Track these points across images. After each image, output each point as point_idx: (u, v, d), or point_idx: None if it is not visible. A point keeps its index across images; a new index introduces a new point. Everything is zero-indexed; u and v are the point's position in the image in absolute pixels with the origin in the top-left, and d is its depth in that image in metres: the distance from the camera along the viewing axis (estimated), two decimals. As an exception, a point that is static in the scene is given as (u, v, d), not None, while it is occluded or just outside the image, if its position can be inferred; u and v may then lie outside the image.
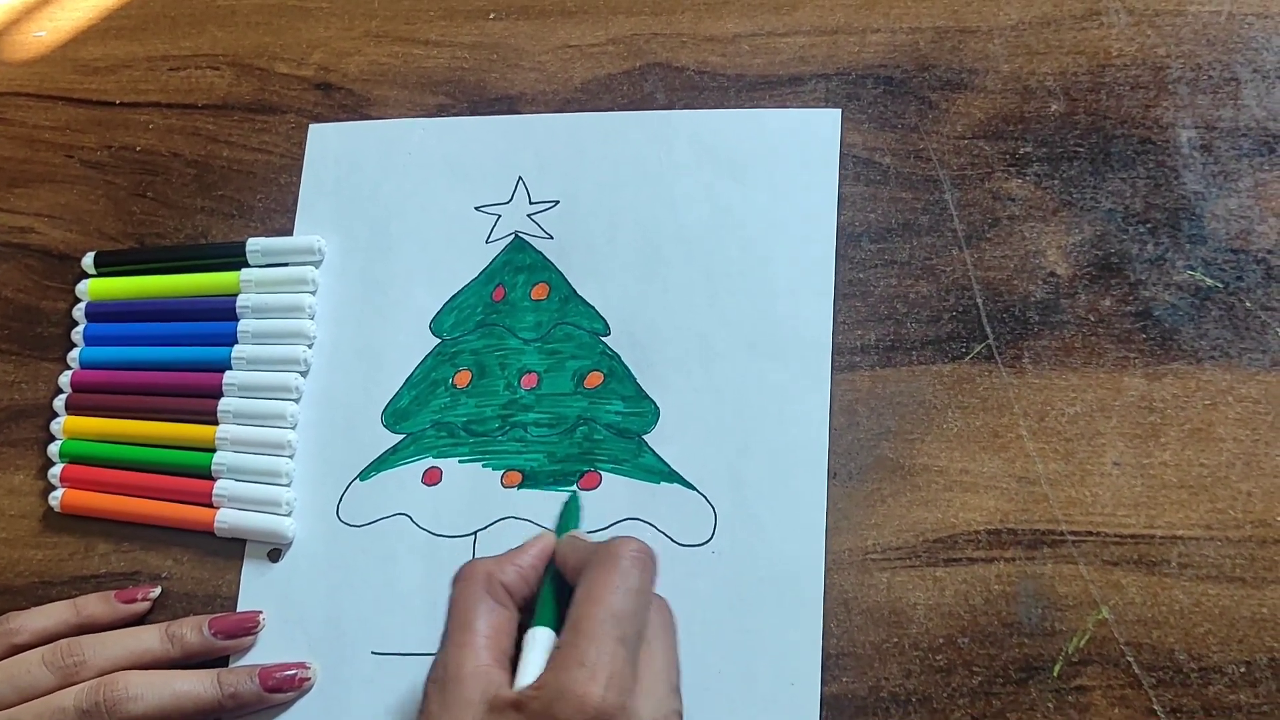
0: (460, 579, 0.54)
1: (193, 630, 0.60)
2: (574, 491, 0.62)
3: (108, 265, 0.70)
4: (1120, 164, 0.62)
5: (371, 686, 0.60)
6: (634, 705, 0.48)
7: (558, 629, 0.51)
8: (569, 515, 0.60)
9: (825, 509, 0.59)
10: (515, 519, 0.61)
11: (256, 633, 0.62)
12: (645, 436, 0.61)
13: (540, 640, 0.52)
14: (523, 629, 0.52)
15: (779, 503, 0.59)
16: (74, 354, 0.69)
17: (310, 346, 0.66)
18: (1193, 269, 0.59)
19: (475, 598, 0.53)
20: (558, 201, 0.66)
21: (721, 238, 0.64)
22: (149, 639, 0.60)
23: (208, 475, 0.65)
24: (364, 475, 0.64)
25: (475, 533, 0.62)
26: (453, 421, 0.64)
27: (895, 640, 0.57)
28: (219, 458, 0.65)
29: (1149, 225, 0.60)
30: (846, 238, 0.63)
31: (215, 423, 0.65)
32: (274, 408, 0.65)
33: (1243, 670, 0.54)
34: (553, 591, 0.54)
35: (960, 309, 0.61)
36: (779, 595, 0.58)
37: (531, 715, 0.47)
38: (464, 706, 0.49)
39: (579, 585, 0.51)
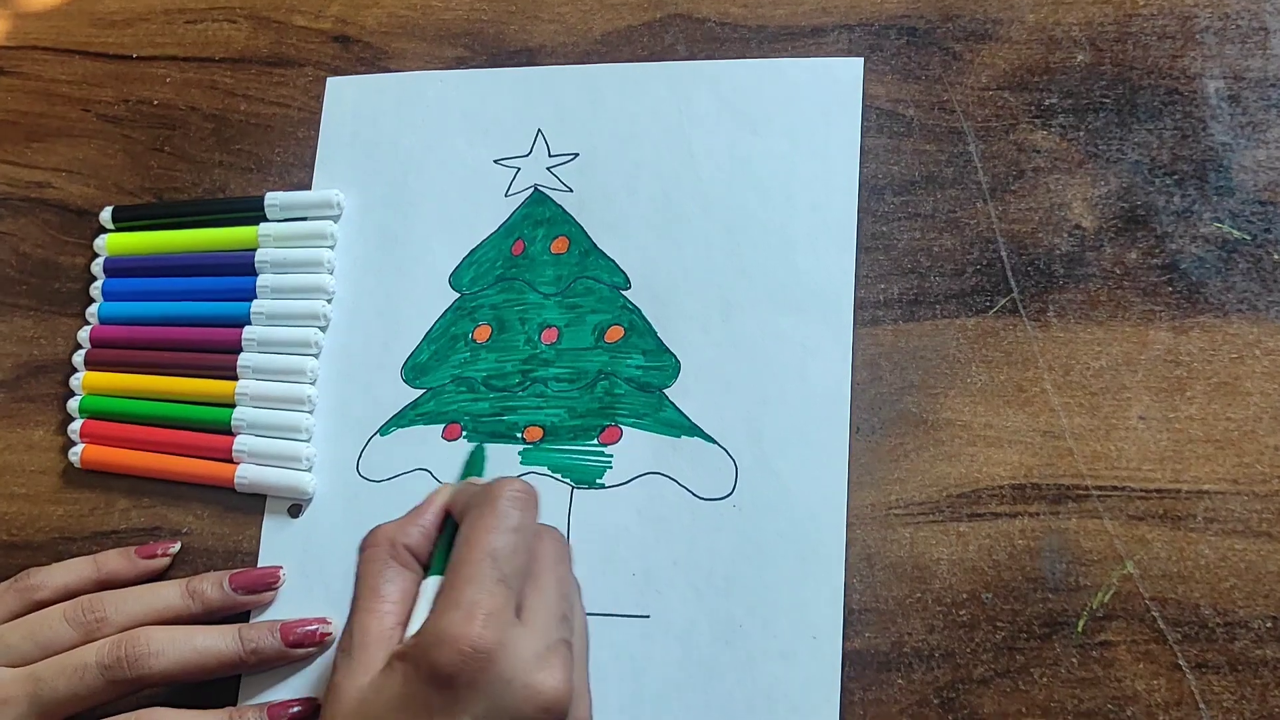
0: (365, 547, 0.55)
1: (213, 586, 0.60)
2: (480, 442, 0.62)
3: (125, 220, 0.70)
4: (1147, 115, 0.61)
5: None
6: (512, 638, 0.48)
7: None
8: (472, 463, 0.60)
9: (847, 463, 0.58)
10: (535, 474, 0.61)
11: (277, 588, 0.62)
12: (666, 391, 0.61)
13: (430, 589, 0.52)
14: None
15: (801, 457, 0.59)
16: (92, 309, 0.69)
17: (329, 301, 0.66)
18: (1220, 221, 0.59)
19: (380, 564, 0.53)
20: (577, 154, 0.66)
21: (743, 190, 0.63)
22: (170, 595, 0.60)
23: (228, 430, 0.65)
24: (384, 430, 0.63)
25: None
26: (473, 376, 0.63)
27: (918, 595, 0.56)
28: (239, 413, 0.64)
29: (1176, 177, 0.60)
30: (869, 190, 0.62)
31: (235, 378, 0.65)
32: (293, 363, 0.65)
33: (1269, 625, 0.53)
34: (447, 540, 0.54)
35: (984, 262, 0.60)
36: (801, 549, 0.58)
37: (413, 663, 0.48)
38: (367, 670, 0.49)
39: (460, 529, 0.52)
